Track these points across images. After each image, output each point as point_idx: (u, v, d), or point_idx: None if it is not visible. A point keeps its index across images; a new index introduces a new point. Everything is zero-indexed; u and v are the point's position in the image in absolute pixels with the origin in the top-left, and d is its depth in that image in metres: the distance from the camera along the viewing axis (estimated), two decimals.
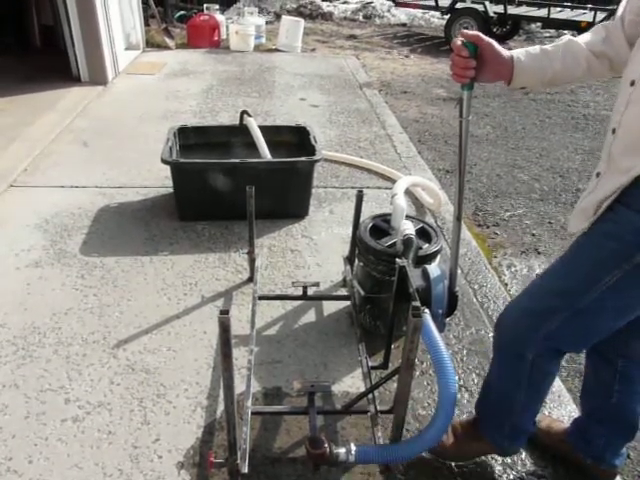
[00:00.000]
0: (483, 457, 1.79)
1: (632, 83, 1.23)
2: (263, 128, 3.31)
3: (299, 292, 2.34)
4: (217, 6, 8.13)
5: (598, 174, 1.34)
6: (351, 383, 2.06)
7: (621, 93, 1.27)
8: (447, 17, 9.38)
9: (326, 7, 11.73)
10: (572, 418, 1.87)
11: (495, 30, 9.72)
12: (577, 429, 1.74)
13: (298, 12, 10.96)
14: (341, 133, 4.60)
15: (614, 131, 1.28)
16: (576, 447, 1.73)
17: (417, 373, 2.11)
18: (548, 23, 9.15)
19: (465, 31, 1.41)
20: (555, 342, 1.44)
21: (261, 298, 2.36)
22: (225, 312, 1.27)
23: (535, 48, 1.42)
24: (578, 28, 8.48)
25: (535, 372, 1.51)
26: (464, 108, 1.53)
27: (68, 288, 2.51)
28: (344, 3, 12.44)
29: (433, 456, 1.77)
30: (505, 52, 1.40)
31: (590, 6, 8.71)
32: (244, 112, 3.33)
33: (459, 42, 1.38)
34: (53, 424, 1.84)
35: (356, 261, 2.39)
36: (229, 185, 2.95)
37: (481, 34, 1.40)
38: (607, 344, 1.58)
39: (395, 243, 2.16)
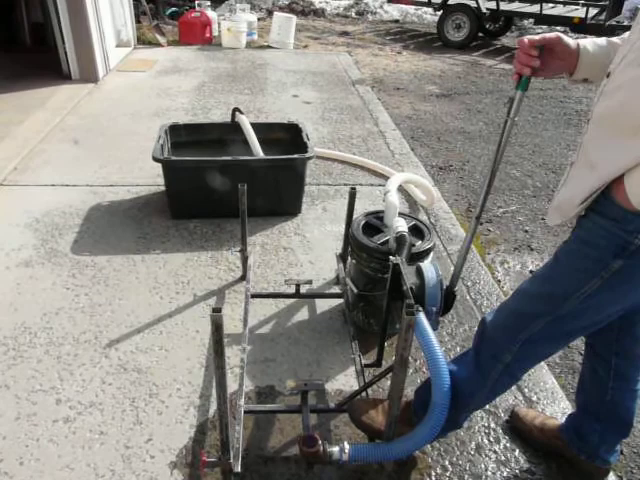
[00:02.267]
0: (477, 455, 1.79)
1: (608, 75, 1.24)
2: (255, 125, 3.30)
3: (292, 290, 2.33)
4: (209, 3, 8.08)
5: (572, 163, 1.35)
6: (345, 381, 2.06)
7: (599, 86, 1.28)
8: (439, 13, 9.37)
9: (318, 3, 11.69)
10: (565, 415, 1.88)
11: (487, 26, 9.72)
12: (572, 425, 1.75)
13: (290, 8, 10.90)
14: (334, 130, 4.59)
15: (588, 122, 1.30)
16: (570, 443, 1.73)
17: (411, 371, 2.11)
18: (541, 19, 9.15)
19: (534, 37, 1.36)
20: (534, 345, 1.45)
21: (254, 296, 2.36)
22: (217, 310, 1.26)
23: (602, 39, 1.39)
24: (571, 24, 8.49)
25: (505, 375, 1.53)
26: (513, 108, 1.50)
27: (59, 287, 2.49)
28: None
29: (424, 452, 1.77)
30: (572, 42, 1.37)
31: (582, 2, 8.71)
32: (236, 109, 3.31)
33: (527, 40, 1.35)
34: (44, 425, 1.82)
35: (349, 259, 2.39)
36: (221, 183, 2.94)
37: (555, 36, 1.35)
38: (601, 342, 1.59)
39: (388, 240, 2.15)
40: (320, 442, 1.53)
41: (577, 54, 1.37)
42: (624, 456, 1.90)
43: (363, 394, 1.84)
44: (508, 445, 1.84)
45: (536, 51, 1.35)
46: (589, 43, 1.38)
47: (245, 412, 1.75)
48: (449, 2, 9.11)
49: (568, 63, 1.39)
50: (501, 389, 1.64)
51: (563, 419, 1.83)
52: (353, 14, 11.77)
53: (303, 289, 2.35)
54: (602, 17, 8.17)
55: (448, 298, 1.76)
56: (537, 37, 1.35)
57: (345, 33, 9.78)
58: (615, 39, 1.39)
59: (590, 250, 1.28)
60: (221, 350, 1.32)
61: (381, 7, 11.93)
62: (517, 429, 1.89)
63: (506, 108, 1.54)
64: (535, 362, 1.60)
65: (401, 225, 2.09)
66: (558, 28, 9.38)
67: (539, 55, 1.36)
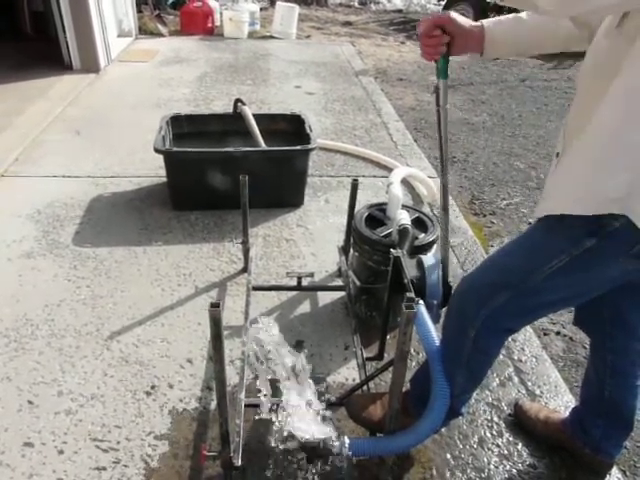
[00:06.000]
0: (480, 448, 1.79)
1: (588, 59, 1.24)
2: (257, 116, 3.28)
3: (294, 282, 2.32)
4: None
5: (557, 154, 1.33)
6: (347, 374, 2.05)
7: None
8: (443, 3, 9.28)
9: None
10: (569, 408, 1.87)
11: (492, 16, 9.62)
12: (576, 418, 1.74)
13: None
14: (337, 121, 4.56)
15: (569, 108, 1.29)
16: (574, 436, 1.72)
17: (413, 364, 2.10)
18: None
19: (425, 18, 1.40)
20: (497, 319, 1.42)
21: (255, 289, 2.34)
22: (216, 305, 1.25)
23: (508, 17, 1.41)
24: None
25: (475, 352, 1.50)
26: (441, 96, 1.53)
27: (61, 279, 2.49)
28: None
29: (426, 446, 1.77)
30: (472, 23, 1.39)
31: None
32: (238, 100, 3.29)
33: (424, 24, 1.38)
34: (46, 417, 1.82)
35: (351, 251, 2.37)
36: (223, 174, 2.92)
37: (446, 15, 1.38)
38: (597, 338, 1.59)
39: (391, 233, 2.14)
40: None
41: (482, 33, 1.39)
42: (627, 450, 1.89)
43: (364, 387, 1.83)
44: (511, 439, 1.84)
45: (438, 30, 1.38)
46: (493, 22, 1.40)
47: (246, 406, 1.74)
48: None
49: (471, 42, 1.41)
50: (478, 368, 1.59)
51: (566, 413, 1.83)
52: (356, 4, 11.68)
53: (305, 282, 2.34)
54: None
55: (445, 290, 1.74)
56: (430, 19, 1.39)
57: (348, 23, 9.71)
58: (523, 15, 1.40)
59: (565, 225, 1.25)
60: (220, 345, 1.31)
61: None
62: (520, 422, 1.88)
63: (433, 98, 1.57)
64: (501, 338, 1.54)
65: (404, 217, 2.08)
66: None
67: (444, 33, 1.38)
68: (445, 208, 1.68)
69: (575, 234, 1.23)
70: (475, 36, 1.39)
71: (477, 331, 1.45)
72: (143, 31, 7.28)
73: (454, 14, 1.38)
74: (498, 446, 1.81)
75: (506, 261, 1.42)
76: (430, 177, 3.55)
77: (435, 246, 2.20)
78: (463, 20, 1.39)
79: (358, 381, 1.91)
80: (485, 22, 1.39)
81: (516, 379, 2.08)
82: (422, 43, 1.44)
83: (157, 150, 2.87)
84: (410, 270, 1.71)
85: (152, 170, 3.47)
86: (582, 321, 1.64)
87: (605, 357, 1.57)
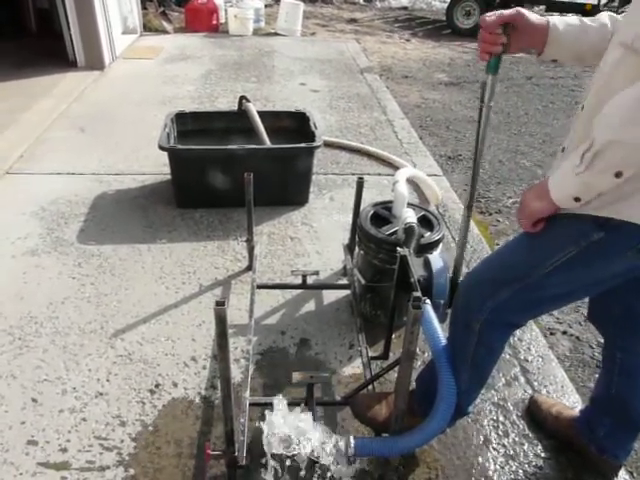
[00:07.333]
0: (485, 449, 1.77)
1: (604, 62, 1.22)
2: (262, 114, 3.26)
3: (299, 281, 2.31)
4: None
5: (563, 149, 1.32)
6: (351, 373, 2.04)
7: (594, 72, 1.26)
8: (449, 0, 9.24)
9: None
10: (575, 408, 1.86)
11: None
12: (584, 416, 1.73)
13: None
14: (341, 118, 4.54)
15: (582, 108, 1.26)
16: (582, 434, 1.71)
17: (418, 363, 2.09)
18: (551, 6, 9.00)
19: (499, 13, 1.34)
20: (501, 313, 1.42)
21: (260, 287, 2.33)
22: (221, 304, 1.24)
23: (574, 18, 1.36)
24: (582, 11, 8.35)
25: (480, 346, 1.49)
26: (487, 93, 1.49)
27: (65, 277, 2.48)
28: None
29: (431, 446, 1.75)
30: (540, 19, 1.34)
31: None
32: (243, 97, 3.28)
33: (489, 19, 1.33)
34: (50, 415, 1.82)
35: (357, 249, 2.36)
36: (227, 172, 2.91)
37: (515, 11, 1.33)
38: (608, 336, 1.58)
39: (396, 231, 2.12)
40: None
41: (546, 31, 1.34)
42: (635, 451, 1.87)
43: (370, 387, 1.82)
44: (517, 439, 1.82)
45: (500, 29, 1.34)
46: (560, 21, 1.35)
47: (250, 404, 1.74)
48: None
49: (536, 39, 1.36)
50: (483, 363, 1.57)
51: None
52: (361, 1, 11.65)
53: (310, 280, 2.33)
54: (615, 4, 8.04)
55: (453, 289, 1.73)
56: (498, 15, 1.33)
57: (353, 20, 9.69)
58: (587, 19, 1.35)
59: (573, 218, 1.24)
60: (225, 343, 1.30)
61: None
62: (531, 414, 1.88)
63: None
64: (505, 333, 1.53)
65: (410, 216, 2.06)
66: (569, 15, 9.24)
67: (504, 33, 1.34)
68: (469, 206, 1.66)
69: (584, 227, 1.22)
70: (540, 33, 1.35)
71: (482, 325, 1.45)
72: (148, 28, 7.27)
73: (524, 10, 1.33)
74: (504, 446, 1.79)
75: (512, 255, 1.42)
76: (435, 175, 3.54)
77: (441, 245, 2.18)
78: (533, 16, 1.35)
79: (363, 380, 1.90)
80: (551, 19, 1.34)
81: (522, 379, 2.07)
82: (480, 38, 1.39)
83: (161, 147, 2.86)
84: (417, 269, 1.70)
85: (156, 167, 3.46)
86: (594, 317, 1.63)
87: (614, 355, 1.56)
